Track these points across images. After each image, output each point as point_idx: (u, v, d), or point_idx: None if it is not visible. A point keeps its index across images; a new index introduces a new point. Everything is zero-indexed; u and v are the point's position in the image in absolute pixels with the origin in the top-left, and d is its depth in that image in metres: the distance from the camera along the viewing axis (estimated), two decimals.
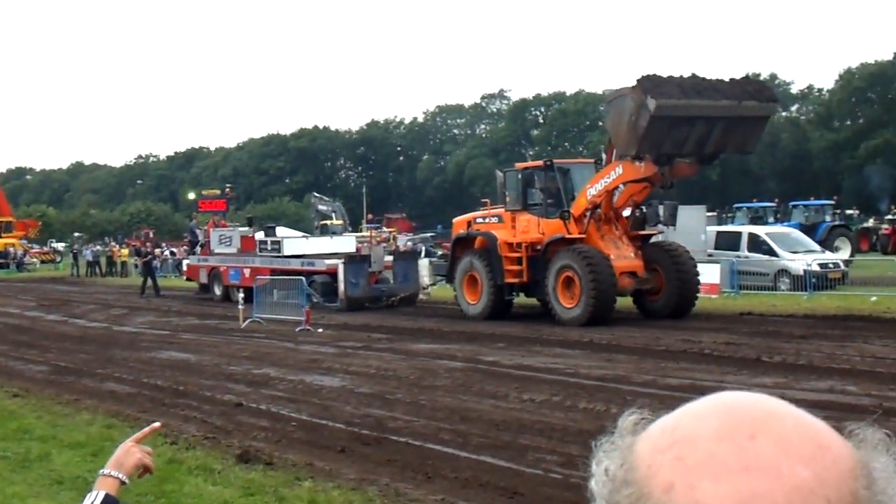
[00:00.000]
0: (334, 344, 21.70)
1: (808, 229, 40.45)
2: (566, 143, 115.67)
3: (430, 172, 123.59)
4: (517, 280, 25.45)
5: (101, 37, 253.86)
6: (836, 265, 31.06)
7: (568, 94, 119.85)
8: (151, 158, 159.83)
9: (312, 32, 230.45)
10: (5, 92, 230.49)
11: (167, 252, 59.49)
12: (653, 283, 24.42)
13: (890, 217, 53.37)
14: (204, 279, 36.79)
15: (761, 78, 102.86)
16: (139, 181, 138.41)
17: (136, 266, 50.93)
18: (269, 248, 34.49)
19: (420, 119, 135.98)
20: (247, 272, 33.36)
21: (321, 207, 53.95)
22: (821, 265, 29.93)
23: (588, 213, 24.45)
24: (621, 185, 24.27)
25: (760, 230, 33.54)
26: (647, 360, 17.57)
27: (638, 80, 22.23)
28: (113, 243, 68.75)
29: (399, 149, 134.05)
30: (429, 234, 71.19)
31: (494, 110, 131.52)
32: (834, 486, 0.90)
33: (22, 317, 31.63)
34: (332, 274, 30.61)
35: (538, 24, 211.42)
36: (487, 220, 27.10)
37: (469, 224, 27.88)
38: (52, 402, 14.86)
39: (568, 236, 24.14)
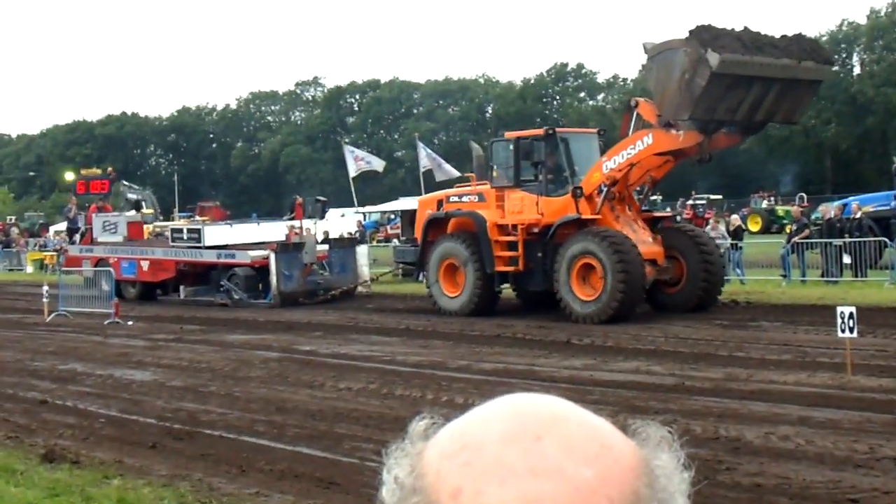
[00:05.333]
0: (145, 337, 21.12)
1: None
2: (381, 131, 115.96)
3: (244, 160, 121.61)
4: (511, 268, 21.75)
5: None
6: None
7: (383, 81, 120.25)
8: None
9: (116, 12, 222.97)
10: None
11: None
12: (672, 272, 21.20)
13: (690, 202, 55.90)
14: (89, 273, 31.87)
15: (568, 68, 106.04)
16: None
17: None
18: (184, 237, 29.59)
19: (233, 106, 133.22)
20: (144, 265, 29.32)
21: (130, 196, 52.16)
22: None
23: (602, 191, 21.03)
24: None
25: None
26: (461, 345, 17.85)
27: (692, 31, 18.75)
28: None
29: (212, 136, 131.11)
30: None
31: (309, 98, 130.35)
32: (616, 484, 0.92)
33: None
34: (257, 267, 27.64)
35: (351, 11, 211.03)
36: (466, 199, 23.32)
37: (440, 204, 23.90)
38: None
39: (583, 217, 20.73)
